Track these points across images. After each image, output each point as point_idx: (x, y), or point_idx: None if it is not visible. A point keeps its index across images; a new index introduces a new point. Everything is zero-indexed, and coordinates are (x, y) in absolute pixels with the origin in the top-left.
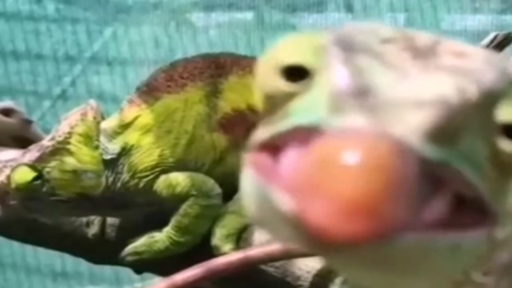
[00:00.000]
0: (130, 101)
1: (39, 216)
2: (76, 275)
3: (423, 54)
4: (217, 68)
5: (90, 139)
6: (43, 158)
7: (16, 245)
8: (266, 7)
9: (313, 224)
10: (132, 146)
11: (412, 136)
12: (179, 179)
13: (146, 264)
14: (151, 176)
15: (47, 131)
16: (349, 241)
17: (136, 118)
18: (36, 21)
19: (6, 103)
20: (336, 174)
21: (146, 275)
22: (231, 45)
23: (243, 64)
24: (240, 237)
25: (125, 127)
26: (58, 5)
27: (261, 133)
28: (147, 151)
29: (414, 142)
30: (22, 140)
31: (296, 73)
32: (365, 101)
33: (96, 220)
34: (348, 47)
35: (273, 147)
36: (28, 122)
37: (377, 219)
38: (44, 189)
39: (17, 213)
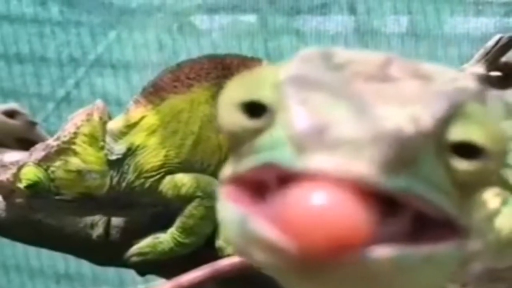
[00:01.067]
0: (136, 102)
1: (44, 215)
2: (79, 277)
3: (376, 77)
4: (224, 69)
5: (95, 139)
6: (48, 157)
7: (19, 246)
8: (269, 10)
9: (296, 249)
10: (138, 146)
11: (370, 171)
12: (185, 180)
13: (150, 265)
14: (156, 177)
15: (51, 133)
16: (324, 258)
17: (142, 118)
18: (40, 23)
19: (10, 105)
20: (309, 211)
21: (149, 277)
22: (235, 47)
23: (249, 65)
24: None
25: (131, 127)
26: (62, 8)
27: (231, 168)
28: (153, 152)
29: (372, 177)
30: (26, 142)
31: (257, 109)
32: (324, 140)
33: (100, 221)
34: (303, 85)
35: (245, 180)
36: (32, 124)
37: (348, 243)
38: (49, 188)
39: (22, 213)
